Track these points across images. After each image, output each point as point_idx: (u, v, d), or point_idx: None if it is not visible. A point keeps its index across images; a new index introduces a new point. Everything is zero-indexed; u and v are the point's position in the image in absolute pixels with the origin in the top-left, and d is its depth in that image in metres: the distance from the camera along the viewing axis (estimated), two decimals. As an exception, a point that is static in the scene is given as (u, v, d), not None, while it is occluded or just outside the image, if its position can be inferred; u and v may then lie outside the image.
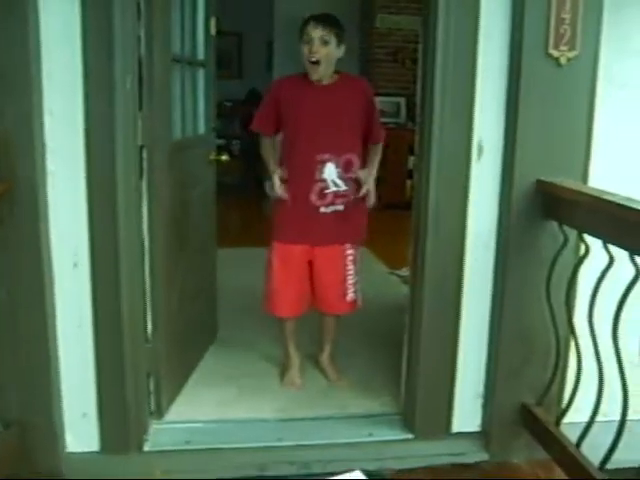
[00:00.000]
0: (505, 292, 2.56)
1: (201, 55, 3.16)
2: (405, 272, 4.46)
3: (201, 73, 3.19)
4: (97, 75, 2.24)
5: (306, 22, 2.74)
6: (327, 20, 2.75)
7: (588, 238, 2.35)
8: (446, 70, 2.42)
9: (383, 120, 6.96)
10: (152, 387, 2.67)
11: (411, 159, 7.03)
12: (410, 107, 7.27)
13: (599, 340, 2.27)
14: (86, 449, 2.53)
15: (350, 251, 3.01)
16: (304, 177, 2.86)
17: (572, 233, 2.43)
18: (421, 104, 2.58)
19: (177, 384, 2.96)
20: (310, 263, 2.97)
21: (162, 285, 2.65)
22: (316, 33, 2.71)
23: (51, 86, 2.25)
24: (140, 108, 2.38)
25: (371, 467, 2.44)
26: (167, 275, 2.71)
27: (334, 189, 2.87)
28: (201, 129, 3.24)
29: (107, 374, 2.46)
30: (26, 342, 2.33)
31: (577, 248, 2.45)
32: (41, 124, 2.25)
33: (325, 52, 2.74)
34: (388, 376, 3.07)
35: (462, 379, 2.68)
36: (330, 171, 2.84)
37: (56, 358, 2.40)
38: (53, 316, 2.37)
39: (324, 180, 2.85)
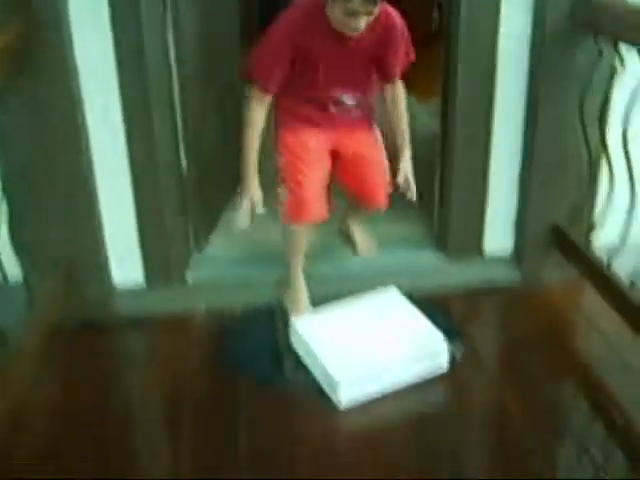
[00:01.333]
0: (538, 112, 2.52)
1: None
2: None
3: None
4: None
5: None
6: None
7: (623, 52, 2.28)
8: None
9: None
10: (190, 221, 2.73)
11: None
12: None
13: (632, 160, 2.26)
14: (131, 283, 2.63)
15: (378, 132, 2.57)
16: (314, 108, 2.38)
17: (607, 47, 2.35)
18: None
19: (215, 218, 3.02)
20: (335, 155, 2.47)
21: (193, 119, 2.64)
22: (365, 9, 2.07)
23: None
24: None
25: (405, 289, 2.52)
26: (198, 108, 2.70)
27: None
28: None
29: (146, 210, 2.52)
30: (65, 182, 2.37)
31: (612, 62, 2.38)
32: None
33: (368, 20, 2.14)
34: (421, 201, 3.06)
35: (494, 201, 2.71)
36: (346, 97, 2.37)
37: (95, 196, 2.45)
38: (89, 153, 2.38)
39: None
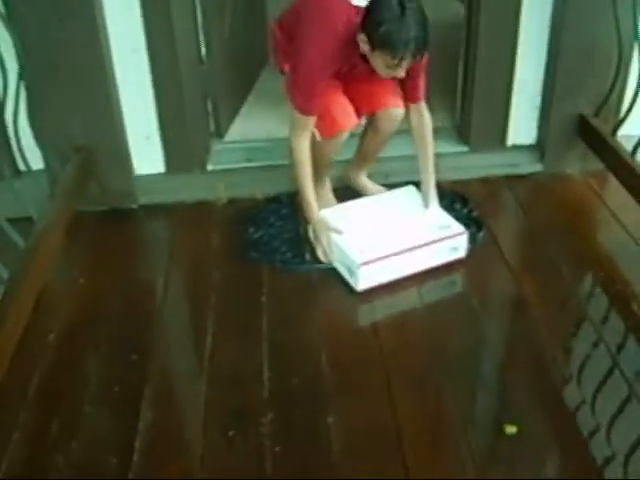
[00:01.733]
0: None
1: None
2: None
3: None
4: None
5: (395, 48, 1.92)
6: (424, 48, 1.99)
7: None
8: None
9: None
10: (210, 108, 2.71)
11: None
12: None
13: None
14: (152, 171, 2.64)
15: None
16: None
17: None
18: None
19: (234, 105, 2.99)
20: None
21: (213, 8, 2.58)
22: (407, 63, 1.99)
23: None
24: None
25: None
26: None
27: None
28: None
29: (165, 97, 2.50)
30: (84, 70, 2.34)
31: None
32: None
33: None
34: (443, 91, 3.02)
35: (519, 91, 2.66)
36: None
37: (114, 84, 2.43)
38: (107, 41, 2.35)
39: None
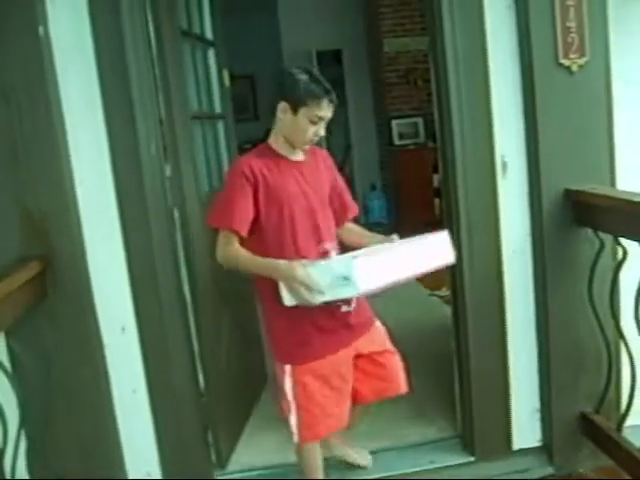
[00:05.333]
0: (548, 303, 2.56)
1: (218, 108, 3.23)
2: (445, 292, 4.47)
3: (221, 125, 3.26)
4: (122, 142, 2.32)
5: (319, 96, 2.10)
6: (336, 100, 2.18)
7: (624, 241, 2.35)
8: (459, 90, 2.44)
9: (403, 142, 7.16)
10: (211, 439, 2.69)
11: (435, 177, 7.02)
12: (428, 126, 7.26)
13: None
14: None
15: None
16: None
17: (608, 238, 2.43)
18: (439, 126, 2.60)
19: (235, 433, 2.98)
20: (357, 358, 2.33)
21: (209, 343, 2.69)
22: (330, 113, 2.15)
23: (79, 157, 2.31)
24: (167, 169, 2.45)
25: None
26: (213, 332, 2.76)
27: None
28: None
29: (166, 433, 2.51)
30: (84, 410, 2.38)
31: (615, 251, 2.45)
32: (74, 195, 2.31)
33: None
34: (441, 400, 3.04)
35: (517, 395, 2.67)
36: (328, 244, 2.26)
37: (114, 426, 2.45)
38: (108, 384, 2.42)
39: None
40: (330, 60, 7.51)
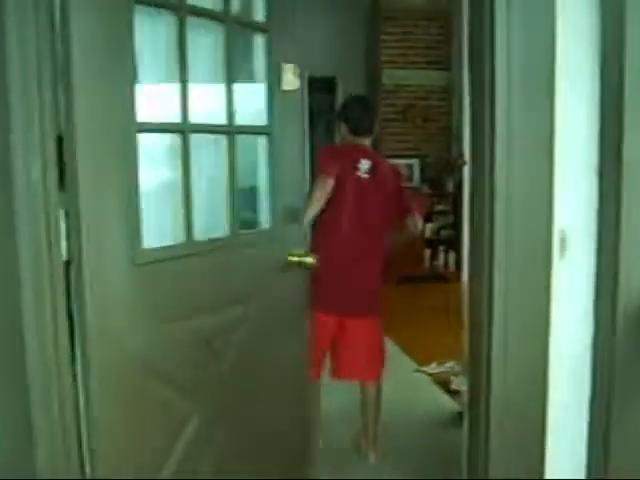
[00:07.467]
0: (611, 444, 1.87)
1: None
2: (434, 369, 3.72)
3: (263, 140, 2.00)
4: None
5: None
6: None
7: None
8: (510, 125, 1.74)
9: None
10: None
11: (428, 226, 6.43)
12: (424, 169, 6.70)
13: None
14: None
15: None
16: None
17: None
18: (473, 180, 1.91)
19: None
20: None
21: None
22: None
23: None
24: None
25: None
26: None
27: None
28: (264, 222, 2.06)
29: None
30: None
31: None
32: None
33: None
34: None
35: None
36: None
37: None
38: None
39: None
40: (322, 88, 6.85)
